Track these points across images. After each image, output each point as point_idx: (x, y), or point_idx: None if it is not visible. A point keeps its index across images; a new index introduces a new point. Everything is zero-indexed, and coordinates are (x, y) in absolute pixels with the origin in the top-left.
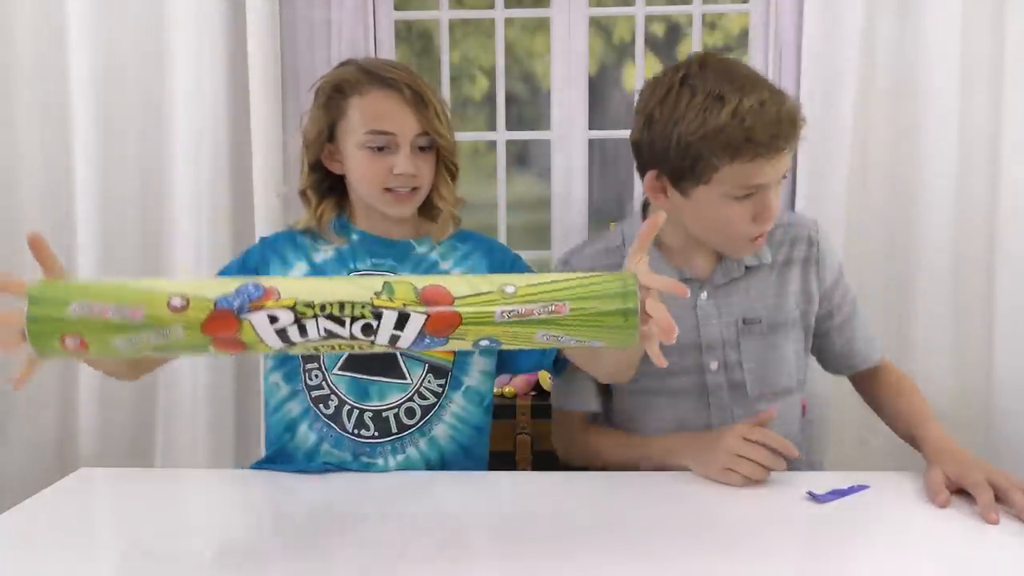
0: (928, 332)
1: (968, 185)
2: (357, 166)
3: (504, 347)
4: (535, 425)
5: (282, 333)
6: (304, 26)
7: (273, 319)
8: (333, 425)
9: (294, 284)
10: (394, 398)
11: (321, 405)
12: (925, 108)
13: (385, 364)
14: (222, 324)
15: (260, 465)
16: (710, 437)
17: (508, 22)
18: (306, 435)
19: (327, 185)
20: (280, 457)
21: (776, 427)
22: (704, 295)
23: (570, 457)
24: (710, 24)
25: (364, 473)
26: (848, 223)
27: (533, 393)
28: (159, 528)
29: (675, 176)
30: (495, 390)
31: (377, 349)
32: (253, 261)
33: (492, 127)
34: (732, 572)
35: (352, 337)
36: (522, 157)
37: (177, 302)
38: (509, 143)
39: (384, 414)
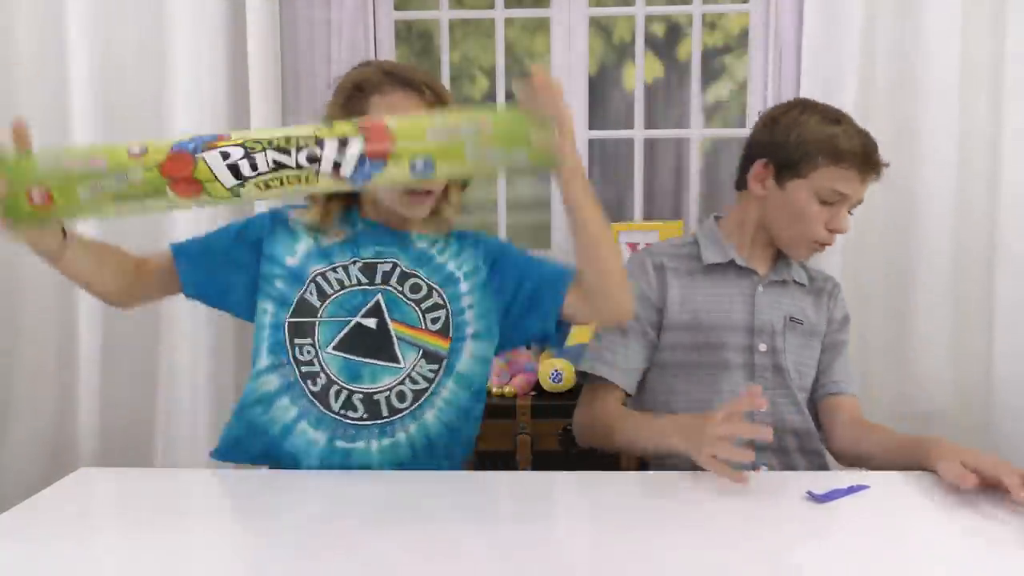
0: (928, 331)
1: (968, 185)
2: None
3: (437, 171)
4: (535, 425)
5: (234, 168)
6: (304, 26)
7: (225, 155)
8: (317, 403)
9: (244, 131)
10: (386, 381)
11: (308, 381)
12: (925, 108)
13: (379, 347)
14: (178, 164)
15: (222, 451)
16: (698, 422)
17: (508, 22)
18: (285, 409)
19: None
20: (247, 434)
21: (807, 419)
22: (761, 288)
23: (586, 437)
24: (710, 24)
25: (363, 472)
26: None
27: (533, 393)
28: (159, 528)
29: (780, 166)
30: (495, 390)
31: (323, 182)
32: (255, 231)
33: None
34: (732, 572)
35: (298, 166)
36: None
37: (136, 148)
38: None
39: (375, 397)
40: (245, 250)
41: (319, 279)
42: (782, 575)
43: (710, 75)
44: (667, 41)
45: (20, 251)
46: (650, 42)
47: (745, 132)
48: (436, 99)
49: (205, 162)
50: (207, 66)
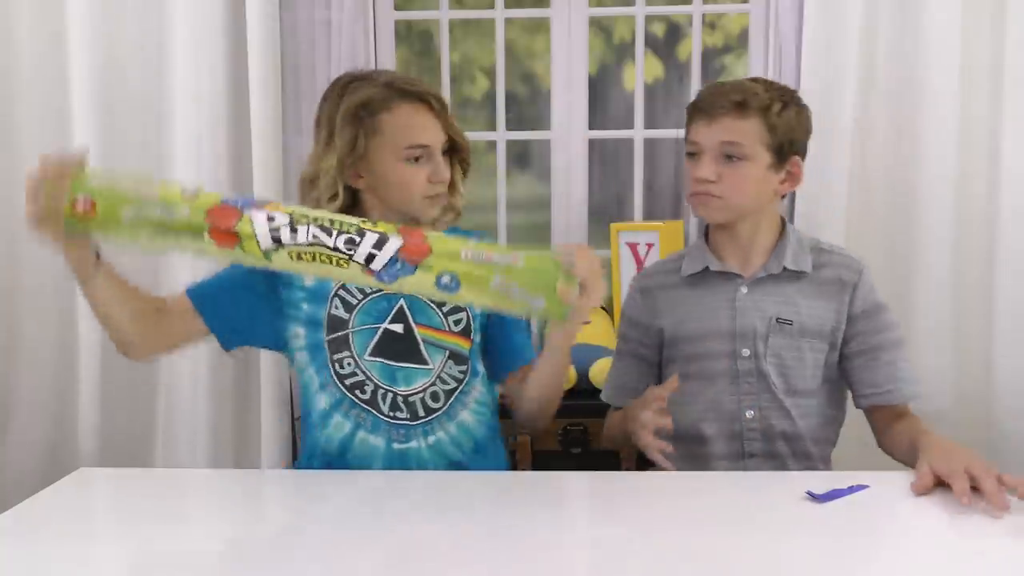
0: (928, 331)
1: (968, 185)
2: (399, 178)
3: (460, 292)
4: None
5: (275, 232)
6: (304, 26)
7: (271, 219)
8: (370, 410)
9: (293, 205)
10: (419, 383)
11: (357, 391)
12: (925, 108)
13: (408, 350)
14: (224, 214)
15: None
16: (634, 410)
17: (508, 22)
18: (340, 424)
19: (347, 202)
20: (315, 453)
21: (798, 425)
22: (744, 290)
23: (613, 431)
24: (710, 24)
25: (364, 472)
26: (848, 223)
27: None
28: (158, 528)
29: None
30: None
31: (352, 270)
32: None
33: (492, 127)
34: (732, 571)
35: (335, 248)
36: (522, 157)
37: (189, 190)
38: (509, 143)
39: (411, 398)
40: (261, 279)
41: (341, 292)
42: (782, 575)
43: (710, 75)
44: (667, 41)
45: (20, 250)
46: (650, 42)
47: None
48: (440, 106)
49: (250, 219)
50: (207, 65)
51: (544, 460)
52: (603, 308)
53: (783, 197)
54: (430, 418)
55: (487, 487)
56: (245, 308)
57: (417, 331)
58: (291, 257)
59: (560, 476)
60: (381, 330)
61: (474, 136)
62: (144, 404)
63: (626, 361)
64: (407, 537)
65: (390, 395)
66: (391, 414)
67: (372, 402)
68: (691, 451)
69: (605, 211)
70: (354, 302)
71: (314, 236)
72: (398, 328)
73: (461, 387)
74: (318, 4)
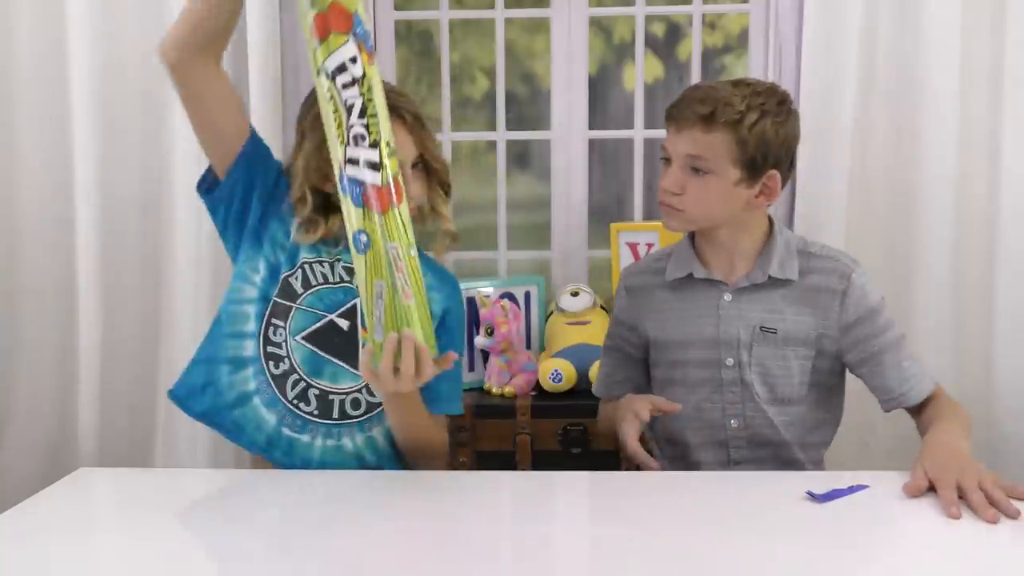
0: (928, 331)
1: (968, 185)
2: None
3: (362, 257)
4: (535, 425)
5: (343, 69)
6: None
7: (353, 60)
8: (273, 386)
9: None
10: (345, 385)
11: (271, 362)
12: (925, 108)
13: (345, 349)
14: (341, 17)
15: (179, 395)
16: (621, 412)
17: (508, 22)
18: (245, 379)
19: (319, 202)
20: (203, 386)
21: (782, 434)
22: (728, 297)
23: (606, 424)
24: (710, 24)
25: (364, 472)
26: (848, 223)
27: (533, 393)
28: (158, 528)
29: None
30: (495, 390)
31: (335, 151)
32: (272, 176)
33: (492, 127)
34: (731, 571)
35: (349, 126)
36: (522, 157)
37: None
38: (509, 143)
39: (330, 397)
40: (272, 189)
41: (306, 267)
42: (782, 575)
43: (710, 75)
44: (667, 41)
45: (20, 250)
46: (650, 42)
47: None
48: (416, 122)
49: (349, 42)
50: None
51: (544, 460)
52: (603, 308)
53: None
54: (342, 422)
55: (487, 487)
56: (253, 185)
57: (362, 333)
58: (325, 94)
59: (560, 476)
60: (327, 320)
61: (474, 136)
62: (144, 404)
63: (613, 357)
64: (409, 536)
65: (302, 383)
66: (294, 402)
67: (280, 381)
68: (676, 455)
69: (605, 211)
70: (313, 282)
71: (351, 104)
72: (344, 324)
73: None
74: None
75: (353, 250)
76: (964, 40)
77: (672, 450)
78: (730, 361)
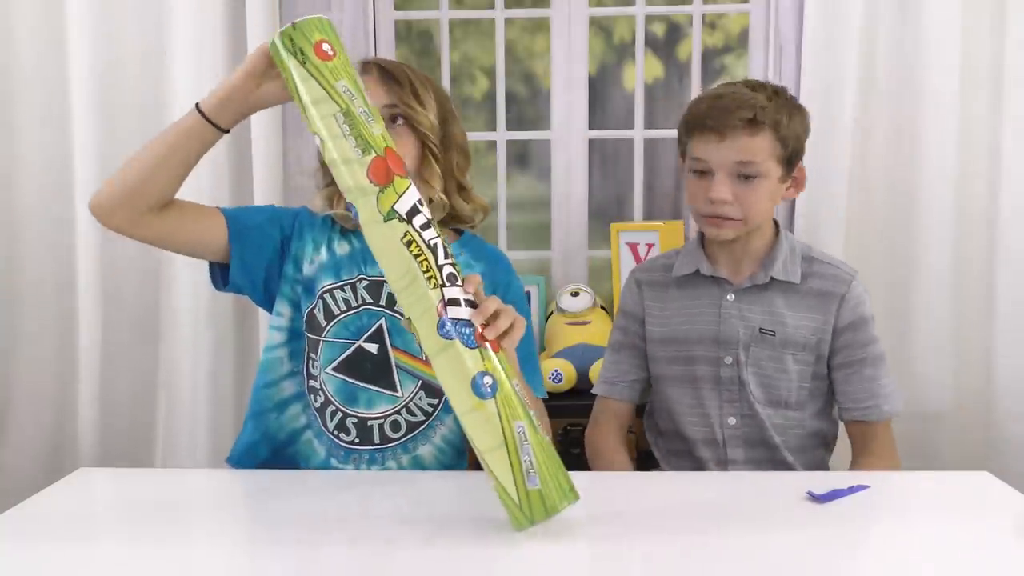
0: (928, 332)
1: (968, 185)
2: None
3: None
4: None
5: (414, 212)
6: None
7: (420, 203)
8: (317, 420)
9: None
10: (382, 409)
11: (312, 395)
12: (925, 108)
13: (378, 373)
14: (396, 161)
15: (236, 458)
16: None
17: (508, 22)
18: (295, 416)
19: None
20: (261, 440)
21: (775, 438)
22: (731, 296)
23: (587, 454)
24: (710, 24)
25: (364, 472)
26: (848, 223)
27: None
28: (158, 528)
29: (680, 154)
30: None
31: (430, 295)
32: (286, 222)
33: (492, 127)
34: (731, 571)
35: (438, 267)
36: (522, 157)
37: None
38: (509, 143)
39: (369, 423)
40: (279, 235)
41: (327, 296)
42: (782, 575)
43: (710, 75)
44: (667, 41)
45: (20, 250)
46: (650, 42)
47: None
48: (386, 75)
49: (410, 184)
50: (207, 66)
51: None
52: (603, 308)
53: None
54: (384, 447)
55: (487, 487)
56: (261, 251)
57: (392, 354)
58: (401, 239)
59: None
60: (355, 347)
61: (474, 136)
62: (144, 404)
63: (623, 354)
64: (408, 536)
65: (339, 414)
66: (335, 433)
67: (320, 413)
68: (673, 450)
69: (605, 211)
70: (336, 312)
71: (434, 244)
72: (373, 348)
73: (429, 421)
74: (318, 4)
75: (474, 399)
76: (964, 40)
77: (669, 444)
78: (728, 360)
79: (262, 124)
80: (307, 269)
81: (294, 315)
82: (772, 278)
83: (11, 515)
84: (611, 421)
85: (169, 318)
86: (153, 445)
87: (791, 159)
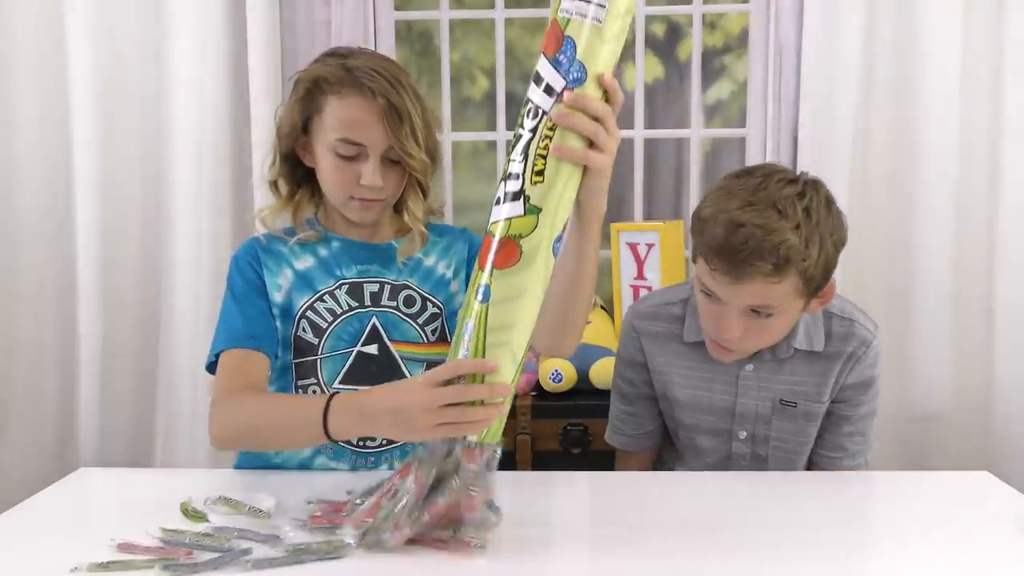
0: (928, 333)
1: (968, 185)
2: (326, 168)
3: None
4: (535, 425)
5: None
6: (304, 26)
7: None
8: (335, 440)
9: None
10: None
11: None
12: (925, 108)
13: (386, 372)
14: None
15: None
16: None
17: (508, 22)
18: (299, 450)
19: (300, 175)
20: (271, 466)
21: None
22: (749, 367)
23: None
24: (710, 24)
25: (361, 472)
26: (848, 223)
27: (533, 393)
28: (159, 528)
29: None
30: None
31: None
32: (253, 271)
33: (492, 127)
34: (731, 571)
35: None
36: None
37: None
38: (509, 143)
39: None
40: (258, 288)
41: (309, 313)
42: (781, 574)
43: (710, 75)
44: (667, 41)
45: (20, 251)
46: (650, 42)
47: (745, 132)
48: (391, 110)
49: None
50: (207, 66)
51: (544, 460)
52: (603, 308)
53: None
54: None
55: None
56: (267, 314)
57: (393, 348)
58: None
59: (560, 476)
60: (354, 354)
61: (474, 136)
62: (144, 404)
63: (637, 405)
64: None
65: None
66: (359, 443)
67: None
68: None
69: (605, 211)
70: (324, 325)
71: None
72: (372, 349)
73: None
74: (318, 4)
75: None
76: (964, 40)
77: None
78: (743, 434)
79: (262, 122)
80: (278, 297)
81: (282, 349)
82: (795, 349)
83: (11, 515)
84: (629, 466)
85: (169, 319)
86: (153, 445)
87: (818, 287)
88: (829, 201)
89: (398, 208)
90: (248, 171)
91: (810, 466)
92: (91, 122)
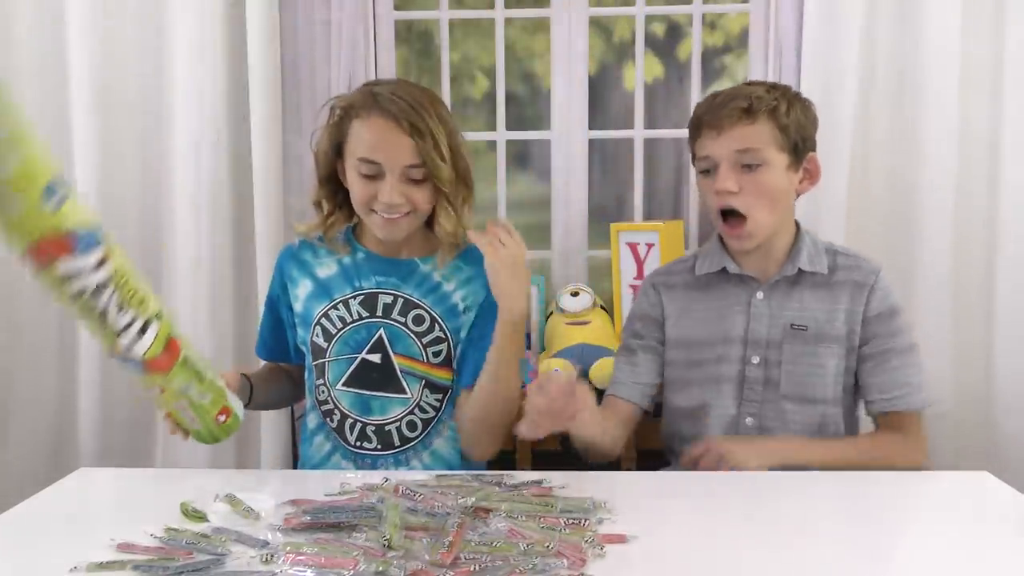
0: (928, 331)
1: (968, 185)
2: (352, 186)
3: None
4: None
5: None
6: (304, 26)
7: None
8: (338, 437)
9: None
10: (396, 412)
11: (328, 418)
12: (925, 108)
13: (385, 380)
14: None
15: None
16: None
17: (508, 22)
18: (322, 444)
19: (341, 197)
20: (307, 464)
21: (794, 433)
22: (760, 295)
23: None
24: (710, 24)
25: (364, 472)
26: (848, 223)
27: None
28: (159, 528)
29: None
30: None
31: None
32: (277, 288)
33: (492, 127)
34: (731, 571)
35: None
36: (522, 157)
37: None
38: (509, 143)
39: (387, 427)
40: (277, 302)
41: (323, 320)
42: (781, 574)
43: (710, 75)
44: (667, 41)
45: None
46: (650, 42)
47: None
48: (413, 129)
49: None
50: (207, 66)
51: (544, 460)
52: (603, 308)
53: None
54: (405, 447)
55: None
56: (284, 330)
57: (395, 360)
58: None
59: (561, 476)
60: (358, 360)
61: (474, 136)
62: (144, 404)
63: (639, 356)
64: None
65: (359, 425)
66: (357, 444)
67: (339, 431)
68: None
69: (605, 211)
70: (333, 331)
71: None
72: (375, 358)
73: (438, 415)
74: (318, 4)
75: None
76: (964, 40)
77: (681, 446)
78: (756, 359)
79: (262, 122)
80: (298, 307)
81: (308, 354)
82: (800, 270)
83: (11, 515)
84: (610, 418)
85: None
86: (153, 445)
87: (796, 147)
88: (800, 94)
89: (431, 225)
90: (248, 171)
91: (879, 417)
92: (91, 122)
